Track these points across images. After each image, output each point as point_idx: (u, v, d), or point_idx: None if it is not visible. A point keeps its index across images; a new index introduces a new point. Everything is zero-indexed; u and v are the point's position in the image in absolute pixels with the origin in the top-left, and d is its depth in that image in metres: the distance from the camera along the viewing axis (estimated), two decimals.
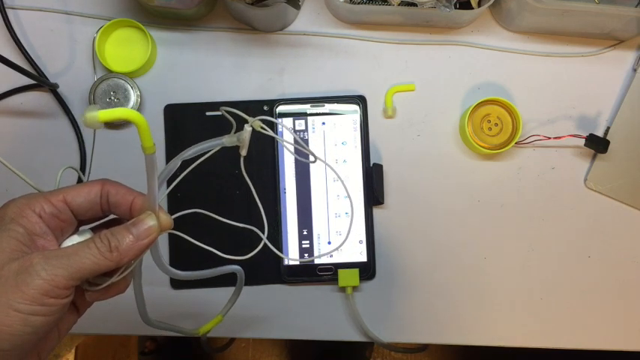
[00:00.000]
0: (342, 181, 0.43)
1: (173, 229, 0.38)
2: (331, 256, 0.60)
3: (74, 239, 0.37)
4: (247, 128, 0.38)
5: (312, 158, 0.41)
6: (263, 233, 0.43)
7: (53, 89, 0.61)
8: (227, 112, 0.39)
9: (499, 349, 0.62)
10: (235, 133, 0.39)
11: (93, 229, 0.39)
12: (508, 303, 0.61)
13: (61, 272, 0.32)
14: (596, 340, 0.61)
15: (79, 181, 0.61)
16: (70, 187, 0.37)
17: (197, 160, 0.40)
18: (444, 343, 0.61)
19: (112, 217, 0.40)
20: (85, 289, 0.37)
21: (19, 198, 0.36)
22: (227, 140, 0.38)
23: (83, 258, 0.33)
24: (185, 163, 0.39)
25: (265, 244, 0.43)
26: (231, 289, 0.53)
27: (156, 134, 0.61)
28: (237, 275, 0.50)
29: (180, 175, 0.41)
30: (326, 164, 0.42)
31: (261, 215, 0.61)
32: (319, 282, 0.61)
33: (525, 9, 0.56)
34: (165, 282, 0.61)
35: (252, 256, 0.43)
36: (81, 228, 0.39)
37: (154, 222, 0.36)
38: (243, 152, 0.39)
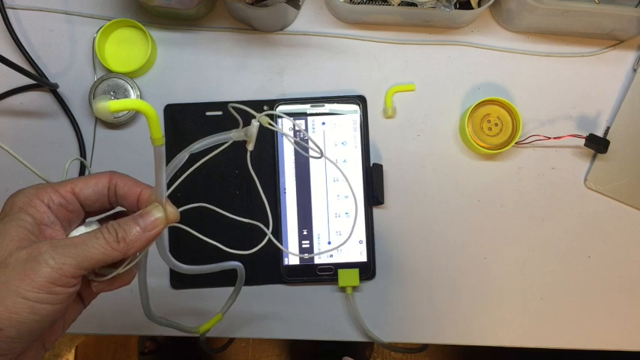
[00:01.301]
0: (347, 179, 0.43)
1: (178, 223, 0.39)
2: (331, 255, 0.60)
3: (81, 230, 0.37)
4: (255, 123, 0.38)
5: (313, 153, 0.41)
6: (267, 229, 0.43)
7: (53, 89, 0.61)
8: (234, 108, 0.39)
9: (499, 349, 0.62)
10: (243, 128, 0.39)
11: (100, 221, 0.39)
12: (508, 303, 0.61)
13: (69, 261, 0.33)
14: (596, 340, 0.61)
15: (82, 173, 0.61)
16: (78, 179, 0.38)
17: (206, 155, 0.40)
18: (444, 343, 0.61)
19: (118, 209, 0.40)
20: (92, 280, 0.38)
21: (28, 188, 0.36)
22: (235, 135, 0.38)
23: (91, 248, 0.34)
24: (190, 161, 0.39)
25: (270, 239, 0.43)
26: (230, 289, 0.53)
27: None
28: (237, 272, 0.50)
29: (182, 172, 0.41)
30: (332, 162, 0.42)
31: (261, 215, 0.61)
32: (319, 282, 0.61)
33: (525, 9, 0.56)
34: (166, 282, 0.61)
35: (253, 256, 0.43)
36: (88, 219, 0.39)
37: (161, 214, 0.36)
38: (250, 147, 0.39)
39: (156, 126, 0.33)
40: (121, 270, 0.37)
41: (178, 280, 0.61)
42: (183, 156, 0.37)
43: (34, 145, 0.62)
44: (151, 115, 0.32)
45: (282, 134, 0.42)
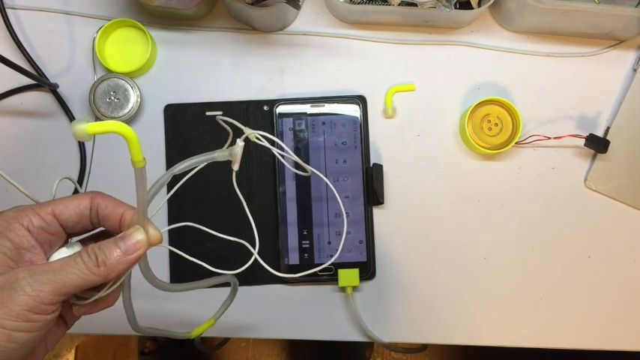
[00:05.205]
0: (336, 193, 0.43)
1: (163, 243, 0.38)
2: (331, 256, 0.60)
3: (63, 252, 0.37)
4: (240, 143, 0.37)
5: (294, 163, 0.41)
6: (256, 245, 0.43)
7: (53, 89, 0.61)
8: (224, 120, 0.38)
9: (499, 349, 0.62)
10: (228, 147, 0.38)
11: (82, 241, 0.38)
12: (508, 303, 0.61)
13: (47, 288, 0.32)
14: (596, 340, 0.61)
15: (81, 175, 0.61)
16: (59, 200, 0.37)
17: (189, 173, 0.39)
18: (443, 343, 0.61)
19: (102, 229, 0.39)
20: (73, 303, 0.37)
21: (7, 211, 0.35)
22: (219, 155, 0.38)
23: (70, 273, 0.33)
24: (184, 172, 0.38)
25: (256, 259, 0.43)
26: (228, 289, 0.52)
27: (156, 134, 0.62)
28: (231, 282, 0.50)
29: (176, 183, 0.41)
30: (322, 177, 0.42)
31: (262, 214, 0.61)
32: (319, 282, 0.61)
33: (525, 9, 0.56)
34: (165, 279, 0.61)
35: (252, 256, 0.43)
36: (70, 240, 0.38)
37: (143, 236, 0.35)
38: (236, 167, 0.39)
39: (136, 149, 0.32)
40: (103, 293, 0.36)
41: (178, 281, 0.61)
42: (166, 178, 0.37)
43: (33, 145, 0.62)
44: (131, 138, 0.32)
45: (271, 149, 0.42)
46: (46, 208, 0.36)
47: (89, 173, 0.61)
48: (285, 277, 0.55)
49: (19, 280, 0.32)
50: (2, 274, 0.32)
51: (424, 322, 0.61)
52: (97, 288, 0.36)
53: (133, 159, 0.32)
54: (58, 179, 0.42)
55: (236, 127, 0.38)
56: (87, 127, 0.30)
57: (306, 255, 0.60)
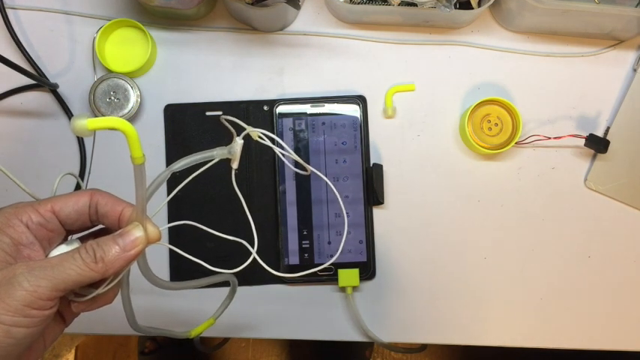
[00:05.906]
0: (336, 192, 0.43)
1: (162, 241, 0.38)
2: (331, 256, 0.60)
3: (62, 249, 0.37)
4: (238, 141, 0.37)
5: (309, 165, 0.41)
6: (254, 244, 0.43)
7: (53, 89, 0.61)
8: (227, 120, 0.38)
9: (499, 349, 0.62)
10: (227, 145, 0.38)
11: (81, 239, 0.38)
12: (508, 303, 0.61)
13: (45, 283, 0.32)
14: (596, 340, 0.61)
15: (82, 173, 0.61)
16: (58, 197, 0.37)
17: (191, 174, 0.39)
18: (443, 343, 0.61)
19: (101, 226, 0.39)
20: (71, 300, 0.37)
21: (7, 207, 0.36)
22: (218, 153, 0.38)
23: (67, 269, 0.33)
24: (185, 172, 0.38)
25: (255, 258, 0.43)
26: (227, 289, 0.53)
27: (156, 134, 0.62)
28: (230, 281, 0.50)
29: (176, 183, 0.40)
30: (321, 176, 0.42)
31: (261, 213, 0.61)
32: (319, 282, 0.61)
33: (525, 9, 0.56)
34: (165, 278, 0.61)
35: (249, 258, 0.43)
36: (70, 237, 0.38)
37: (141, 233, 0.35)
38: (235, 165, 0.39)
39: (136, 145, 0.32)
40: (101, 290, 0.36)
41: (178, 280, 0.61)
42: (165, 175, 0.37)
43: (33, 145, 0.62)
44: (131, 134, 0.32)
45: (272, 148, 0.42)
46: (45, 204, 0.36)
47: (89, 173, 0.61)
48: (284, 277, 0.56)
49: (16, 275, 0.32)
50: (0, 270, 0.32)
51: (424, 322, 0.61)
52: (95, 285, 0.36)
53: (132, 155, 0.32)
54: (60, 175, 0.42)
55: (239, 127, 0.38)
56: (87, 122, 0.30)
57: (306, 255, 0.60)
